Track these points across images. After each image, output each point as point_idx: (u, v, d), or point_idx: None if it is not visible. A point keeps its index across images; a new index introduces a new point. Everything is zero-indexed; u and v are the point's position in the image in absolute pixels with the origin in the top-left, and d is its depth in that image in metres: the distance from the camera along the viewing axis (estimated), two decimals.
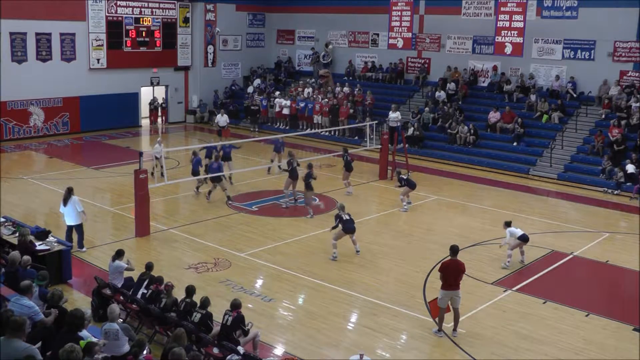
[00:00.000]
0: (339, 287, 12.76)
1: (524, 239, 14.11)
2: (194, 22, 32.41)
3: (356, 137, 27.43)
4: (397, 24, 27.64)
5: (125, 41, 29.76)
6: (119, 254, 11.45)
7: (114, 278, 11.26)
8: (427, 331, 11.04)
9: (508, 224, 14.35)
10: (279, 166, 21.31)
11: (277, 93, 30.69)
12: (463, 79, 28.33)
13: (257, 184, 20.19)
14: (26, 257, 10.32)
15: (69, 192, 13.73)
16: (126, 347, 8.56)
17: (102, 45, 28.93)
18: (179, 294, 11.26)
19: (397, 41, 27.89)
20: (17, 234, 12.83)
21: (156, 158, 20.30)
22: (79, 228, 13.89)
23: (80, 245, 13.87)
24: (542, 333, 11.05)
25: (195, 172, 18.57)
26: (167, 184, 17.12)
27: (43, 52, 27.22)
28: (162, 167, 18.78)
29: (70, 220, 13.81)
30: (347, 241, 14.66)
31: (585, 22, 25.02)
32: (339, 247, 14.61)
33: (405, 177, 18.24)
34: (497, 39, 25.11)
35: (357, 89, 29.30)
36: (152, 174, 19.61)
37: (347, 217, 14.26)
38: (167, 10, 31.21)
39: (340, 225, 14.19)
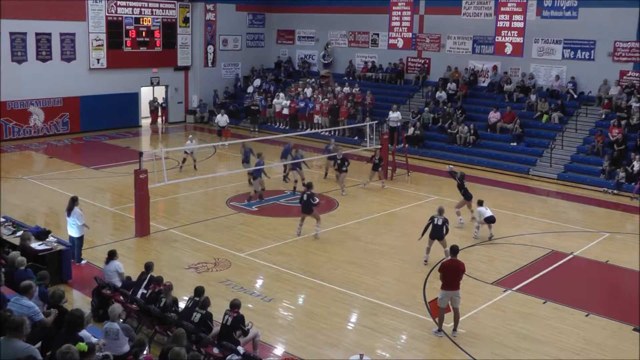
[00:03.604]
0: (339, 287, 12.76)
1: (489, 220, 15.52)
2: (194, 22, 32.41)
3: (356, 137, 27.42)
4: (397, 24, 27.63)
5: (125, 41, 29.76)
6: (112, 256, 11.41)
7: (113, 282, 11.21)
8: (427, 331, 11.04)
9: (480, 203, 15.72)
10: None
11: (282, 95, 30.65)
12: (463, 79, 28.33)
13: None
14: (21, 258, 10.28)
15: (73, 202, 13.41)
16: (126, 347, 8.55)
17: (102, 45, 28.93)
18: (179, 293, 11.29)
19: (397, 41, 27.87)
20: (17, 234, 12.85)
21: (185, 152, 21.77)
22: (79, 240, 13.59)
23: (78, 260, 13.48)
24: (542, 333, 11.05)
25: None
26: (167, 184, 17.11)
27: (43, 52, 27.22)
28: (194, 160, 21.95)
29: (72, 232, 13.48)
30: (349, 241, 14.65)
31: (585, 22, 25.01)
32: (340, 248, 14.64)
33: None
34: (497, 39, 25.09)
35: (356, 89, 29.34)
36: (181, 167, 21.76)
37: (438, 223, 13.81)
38: (167, 10, 31.21)
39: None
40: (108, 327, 8.63)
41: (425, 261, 13.99)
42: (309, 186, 15.69)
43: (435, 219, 13.85)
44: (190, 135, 23.29)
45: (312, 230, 15.67)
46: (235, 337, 9.37)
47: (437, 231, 13.82)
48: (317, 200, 15.72)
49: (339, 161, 19.70)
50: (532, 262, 14.42)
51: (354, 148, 24.48)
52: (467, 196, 16.91)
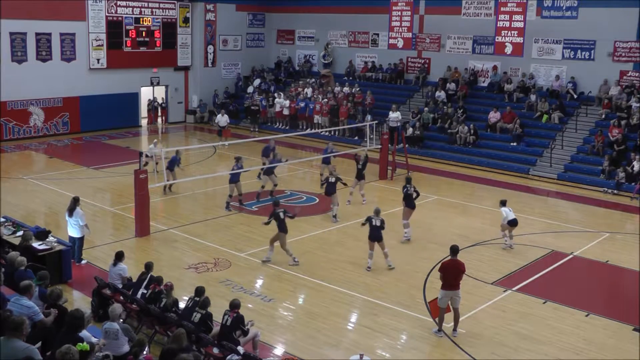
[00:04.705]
0: (339, 287, 12.76)
1: (512, 223, 14.96)
2: (194, 22, 32.41)
3: (356, 137, 27.42)
4: (397, 24, 27.63)
5: (125, 41, 29.76)
6: (119, 257, 11.39)
7: (114, 282, 11.19)
8: (427, 331, 11.04)
9: (503, 203, 15.22)
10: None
11: (282, 95, 30.67)
12: (463, 79, 28.33)
13: (257, 184, 20.15)
14: (20, 259, 10.29)
15: (75, 203, 13.41)
16: (126, 348, 8.56)
17: (102, 45, 28.93)
18: (179, 293, 11.29)
19: (397, 41, 27.87)
20: (17, 234, 12.85)
21: (147, 156, 20.30)
22: (80, 241, 13.57)
23: (78, 260, 13.47)
24: (542, 333, 11.05)
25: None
26: (167, 184, 17.11)
27: (43, 52, 27.22)
28: (155, 164, 19.36)
29: (72, 232, 13.46)
30: (349, 241, 14.59)
31: (585, 22, 25.01)
32: (340, 248, 14.62)
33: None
34: (497, 39, 25.08)
35: (356, 89, 29.35)
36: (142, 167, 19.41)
37: (376, 224, 13.47)
38: (167, 10, 31.21)
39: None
40: (108, 327, 8.63)
41: (369, 267, 13.52)
42: (276, 204, 14.32)
43: (373, 220, 13.50)
44: (155, 140, 22.81)
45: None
46: (235, 337, 9.38)
47: (376, 232, 13.45)
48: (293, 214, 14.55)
49: (332, 178, 17.25)
50: (532, 262, 14.42)
51: (353, 148, 24.50)
52: (360, 175, 18.39)
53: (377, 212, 13.72)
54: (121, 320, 9.09)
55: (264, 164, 19.75)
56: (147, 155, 20.20)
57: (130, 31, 29.85)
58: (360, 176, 18.69)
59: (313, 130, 28.12)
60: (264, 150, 20.53)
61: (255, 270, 13.70)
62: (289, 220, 13.99)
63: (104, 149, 25.98)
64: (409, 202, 15.69)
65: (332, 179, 17.21)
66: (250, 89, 32.87)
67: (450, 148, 25.61)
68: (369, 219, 13.62)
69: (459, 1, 28.17)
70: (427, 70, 29.92)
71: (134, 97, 30.73)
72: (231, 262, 13.89)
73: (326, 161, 20.44)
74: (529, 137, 24.79)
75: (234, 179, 17.71)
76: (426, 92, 29.09)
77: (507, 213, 14.95)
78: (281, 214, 13.82)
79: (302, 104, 29.60)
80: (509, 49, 24.85)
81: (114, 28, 29.20)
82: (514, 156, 24.24)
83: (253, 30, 35.08)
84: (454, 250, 11.04)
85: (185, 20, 32.10)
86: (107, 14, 28.85)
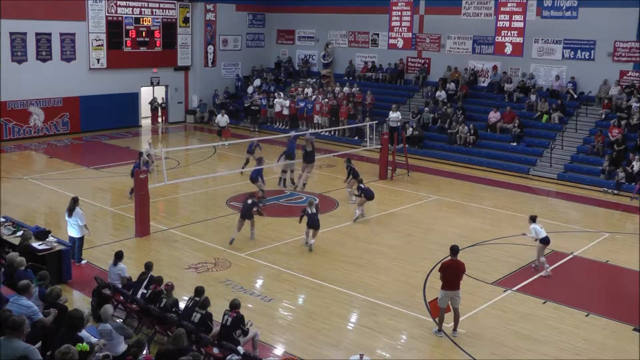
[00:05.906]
0: (339, 287, 12.76)
1: (545, 241, 13.67)
2: (194, 22, 32.41)
3: (356, 137, 27.42)
4: (397, 24, 27.63)
5: (125, 41, 29.75)
6: (119, 257, 11.39)
7: (114, 282, 11.19)
8: (427, 331, 11.04)
9: (533, 219, 13.94)
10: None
11: (282, 95, 30.67)
12: (463, 79, 28.32)
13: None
14: (20, 259, 10.28)
15: (74, 203, 13.40)
16: (123, 346, 8.57)
17: (102, 45, 28.93)
18: (179, 293, 11.29)
19: (397, 41, 27.87)
20: (17, 234, 12.85)
21: (144, 155, 20.11)
22: (80, 241, 13.55)
23: (78, 260, 13.46)
24: (542, 333, 11.05)
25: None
26: (167, 184, 17.11)
27: (43, 52, 27.21)
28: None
29: (72, 232, 13.45)
30: (349, 241, 14.62)
31: (585, 22, 25.01)
32: (340, 248, 14.65)
33: (364, 187, 17.21)
34: (497, 39, 25.08)
35: (356, 89, 29.35)
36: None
37: (313, 211, 14.61)
38: (167, 10, 31.21)
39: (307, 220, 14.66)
40: (101, 329, 8.68)
41: (310, 248, 14.50)
42: (252, 196, 15.54)
43: (308, 209, 14.56)
44: (149, 140, 22.82)
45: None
46: (235, 337, 9.38)
47: (314, 219, 14.54)
48: (263, 213, 15.39)
49: (309, 147, 19.42)
50: (532, 262, 14.40)
51: (353, 148, 24.52)
52: (355, 174, 18.52)
53: (310, 203, 14.87)
54: (119, 320, 9.09)
55: (247, 160, 20.70)
56: (145, 155, 19.94)
57: (130, 31, 29.84)
58: (357, 176, 18.63)
59: (313, 130, 28.09)
60: (248, 147, 21.57)
61: (255, 270, 13.71)
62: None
63: (104, 149, 25.97)
64: (356, 174, 17.97)
65: (309, 148, 19.04)
66: (250, 89, 32.87)
67: (450, 148, 25.60)
68: (304, 211, 14.65)
69: (459, 1, 28.16)
70: (427, 70, 29.92)
71: (134, 97, 30.71)
72: (231, 262, 13.89)
73: (290, 156, 20.45)
74: (529, 137, 24.79)
75: (253, 176, 18.49)
76: (426, 92, 29.09)
77: (538, 231, 13.61)
78: (249, 201, 15.02)
79: (302, 104, 29.60)
80: (509, 49, 24.85)
81: (114, 28, 29.18)
82: (514, 156, 24.23)
83: (253, 30, 35.07)
84: (454, 250, 11.03)
85: (185, 20, 32.09)
86: (107, 14, 28.84)
